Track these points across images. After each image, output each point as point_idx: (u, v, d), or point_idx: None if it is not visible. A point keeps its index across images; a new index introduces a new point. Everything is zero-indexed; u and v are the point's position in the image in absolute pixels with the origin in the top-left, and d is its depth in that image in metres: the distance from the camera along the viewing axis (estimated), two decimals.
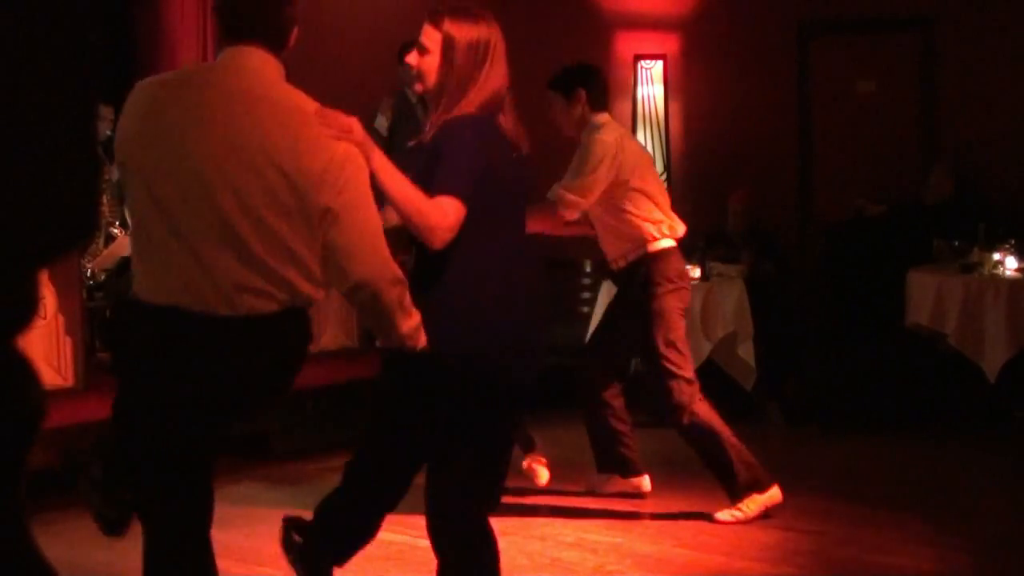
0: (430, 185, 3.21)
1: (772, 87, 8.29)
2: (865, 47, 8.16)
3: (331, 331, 6.94)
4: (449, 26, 3.37)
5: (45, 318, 5.89)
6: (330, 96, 8.36)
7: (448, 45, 3.36)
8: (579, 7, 8.61)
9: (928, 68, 7.93)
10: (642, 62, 8.50)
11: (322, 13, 7.82)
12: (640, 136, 8.52)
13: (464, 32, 3.36)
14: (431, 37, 3.40)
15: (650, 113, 8.51)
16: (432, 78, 3.38)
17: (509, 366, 3.34)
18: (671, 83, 8.53)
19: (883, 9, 7.99)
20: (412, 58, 3.45)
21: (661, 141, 8.51)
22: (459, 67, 3.34)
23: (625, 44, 8.64)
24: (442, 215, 3.18)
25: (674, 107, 8.59)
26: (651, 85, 8.50)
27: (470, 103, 3.33)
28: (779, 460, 6.55)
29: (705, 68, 8.52)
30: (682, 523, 5.25)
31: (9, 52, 1.27)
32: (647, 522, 5.35)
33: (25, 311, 1.60)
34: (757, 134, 8.33)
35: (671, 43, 8.60)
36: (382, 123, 6.73)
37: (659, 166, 8.51)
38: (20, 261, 1.47)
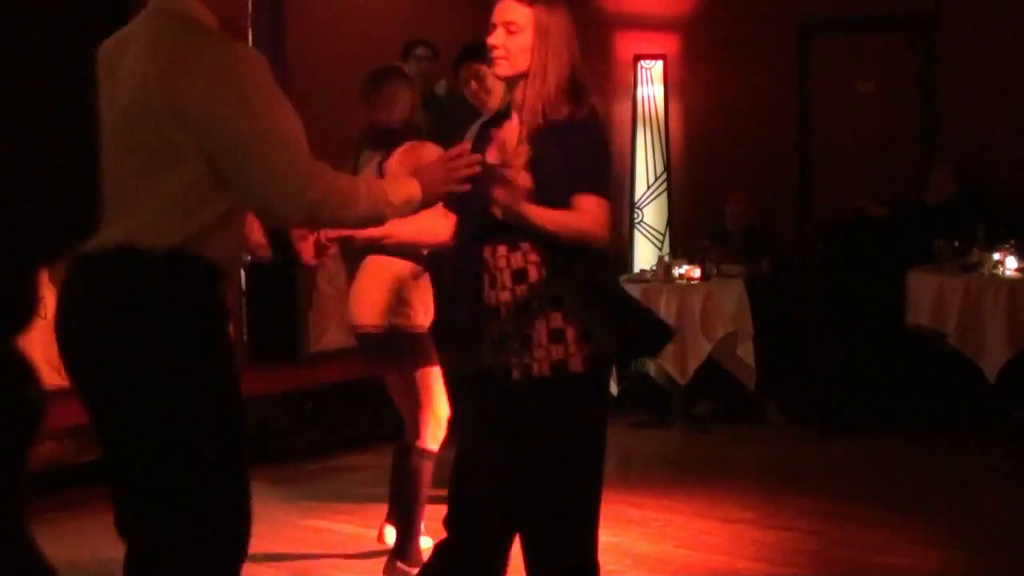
0: (572, 177, 3.14)
1: (772, 87, 8.29)
2: (865, 47, 8.16)
3: (331, 331, 6.94)
4: (542, 5, 3.22)
5: (45, 318, 5.88)
6: (330, 96, 8.42)
7: (543, 24, 3.20)
8: (579, 7, 8.58)
9: (928, 68, 7.93)
10: (642, 62, 8.50)
11: (322, 13, 7.81)
12: (640, 136, 8.53)
13: (556, 14, 3.23)
14: (521, 14, 3.20)
15: (650, 113, 8.51)
16: (524, 58, 3.19)
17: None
18: (671, 83, 8.53)
19: (883, 9, 7.99)
20: (496, 37, 3.20)
21: (661, 141, 8.51)
22: (556, 49, 3.20)
23: (625, 44, 8.64)
24: (601, 224, 3.15)
25: (674, 107, 8.58)
26: (651, 85, 8.50)
27: (559, 87, 3.22)
28: (779, 460, 6.56)
29: (705, 68, 8.52)
30: (682, 523, 5.25)
31: (8, 47, 1.27)
32: (647, 522, 5.35)
33: (25, 311, 1.60)
34: (757, 134, 8.33)
35: (671, 43, 8.60)
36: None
37: (659, 166, 8.52)
38: (20, 260, 1.47)
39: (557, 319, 3.12)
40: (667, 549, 4.93)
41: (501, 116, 3.36)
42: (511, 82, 3.24)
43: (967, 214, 7.04)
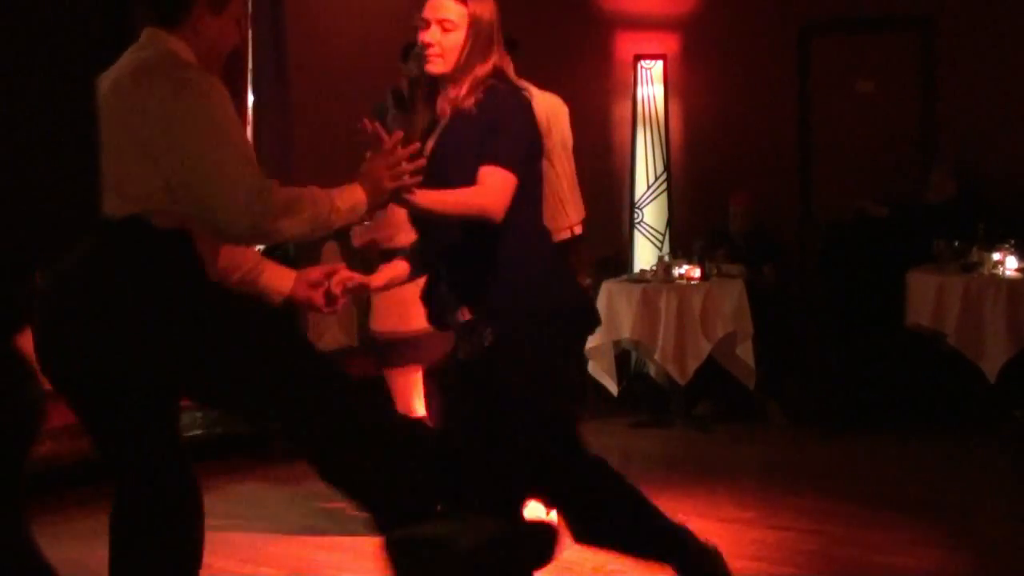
0: (481, 155, 3.21)
1: (772, 87, 8.29)
2: (865, 47, 8.16)
3: (331, 331, 6.94)
4: (474, 2, 3.31)
5: None
6: (330, 96, 8.42)
7: (475, 21, 3.29)
8: (579, 7, 8.61)
9: (928, 68, 7.92)
10: (642, 62, 8.50)
11: (322, 13, 7.81)
12: (640, 136, 8.53)
13: (487, 8, 3.34)
14: (456, 12, 3.30)
15: (650, 113, 8.51)
16: (456, 55, 3.28)
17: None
18: (671, 83, 8.53)
19: (883, 9, 7.99)
20: (431, 35, 3.30)
21: (661, 141, 8.51)
22: (484, 45, 3.30)
23: (625, 44, 8.64)
24: (497, 195, 3.19)
25: (674, 107, 8.58)
26: (651, 85, 8.50)
27: (486, 79, 3.30)
28: (779, 460, 6.56)
29: (705, 68, 8.52)
30: (682, 523, 5.25)
31: (7, 47, 1.27)
32: None
33: (25, 311, 1.60)
34: (757, 134, 8.33)
35: (671, 43, 8.60)
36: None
37: (659, 166, 8.52)
38: (19, 261, 1.47)
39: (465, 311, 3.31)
40: None
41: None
42: (439, 79, 3.32)
43: (967, 214, 7.04)
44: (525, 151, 3.28)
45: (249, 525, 5.30)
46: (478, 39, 3.27)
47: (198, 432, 5.97)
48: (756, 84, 8.34)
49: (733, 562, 4.75)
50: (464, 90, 3.27)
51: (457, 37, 3.26)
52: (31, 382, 2.53)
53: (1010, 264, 6.51)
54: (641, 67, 8.51)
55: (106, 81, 2.94)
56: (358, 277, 3.56)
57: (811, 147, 8.28)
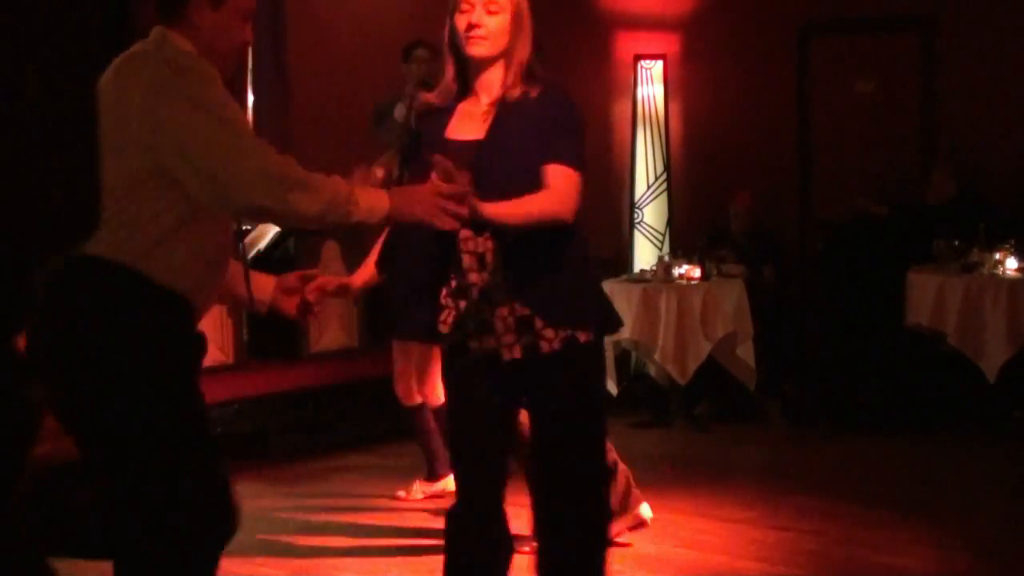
0: (547, 154, 3.15)
1: (772, 87, 8.29)
2: (865, 47, 8.16)
3: (331, 331, 6.94)
4: None
5: None
6: (330, 96, 8.43)
7: (518, 5, 3.20)
8: (579, 7, 8.61)
9: (928, 68, 7.92)
10: (642, 62, 8.50)
11: (322, 13, 7.82)
12: (640, 136, 8.53)
13: None
14: None
15: (650, 113, 8.51)
16: (501, 39, 3.18)
17: None
18: (671, 83, 8.53)
19: (883, 9, 7.99)
20: (477, 16, 3.18)
21: (661, 141, 8.51)
22: (525, 31, 3.21)
23: (625, 44, 8.64)
24: (570, 198, 3.15)
25: (674, 107, 8.58)
26: (651, 85, 8.50)
27: (528, 68, 3.23)
28: (779, 460, 6.56)
29: (705, 68, 8.52)
30: (682, 523, 5.25)
31: (8, 47, 1.27)
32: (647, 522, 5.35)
33: (25, 311, 1.60)
34: (757, 134, 8.33)
35: (671, 43, 8.60)
36: (401, 112, 6.74)
37: (659, 166, 8.52)
38: (20, 260, 1.47)
39: (523, 308, 3.18)
40: (667, 549, 4.92)
41: (448, 101, 3.30)
42: (481, 64, 3.21)
43: (967, 214, 7.04)
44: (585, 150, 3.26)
45: (249, 525, 5.29)
46: (520, 24, 3.20)
47: None
48: (756, 84, 8.34)
49: (733, 562, 4.76)
50: (511, 78, 3.19)
51: (503, 20, 3.17)
52: (31, 382, 2.54)
53: (1010, 264, 6.51)
54: (641, 67, 8.51)
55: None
56: (336, 280, 3.53)
57: (811, 147, 8.28)
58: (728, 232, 7.76)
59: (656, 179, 8.50)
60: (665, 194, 8.51)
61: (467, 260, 3.20)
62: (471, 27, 3.16)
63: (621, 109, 8.63)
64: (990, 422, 6.69)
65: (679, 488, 5.75)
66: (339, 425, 6.81)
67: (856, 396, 7.08)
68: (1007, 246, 6.57)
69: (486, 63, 3.20)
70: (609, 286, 7.10)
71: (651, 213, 8.50)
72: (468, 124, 3.22)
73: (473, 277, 3.20)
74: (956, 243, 6.83)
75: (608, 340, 6.96)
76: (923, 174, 7.64)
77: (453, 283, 3.23)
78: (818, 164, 8.27)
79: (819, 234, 7.94)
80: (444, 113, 3.26)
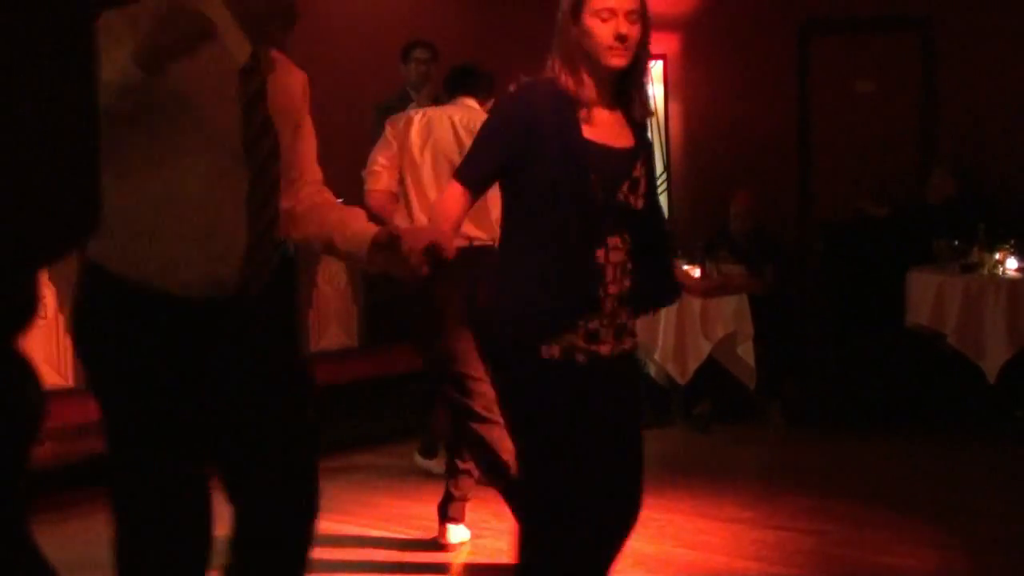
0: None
1: (772, 87, 8.30)
2: (865, 47, 8.16)
3: (331, 331, 6.94)
4: None
5: (45, 318, 5.89)
6: (329, 96, 8.42)
7: (647, 11, 3.10)
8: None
9: (928, 68, 7.93)
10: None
11: (322, 13, 7.81)
12: None
13: None
14: (640, 3, 3.09)
15: None
16: (635, 50, 3.08)
17: None
18: (671, 83, 8.53)
19: (883, 9, 7.99)
20: (623, 26, 3.02)
21: (661, 141, 8.51)
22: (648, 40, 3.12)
23: None
24: None
25: (674, 107, 8.59)
26: (651, 85, 8.49)
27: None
28: (779, 460, 6.56)
29: (705, 68, 8.52)
30: (682, 523, 5.25)
31: (9, 47, 1.27)
32: (647, 522, 5.33)
33: (25, 311, 1.60)
34: (757, 134, 8.33)
35: (671, 43, 8.60)
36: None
37: (659, 166, 8.52)
38: (20, 260, 1.47)
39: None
40: (667, 549, 4.92)
41: (568, 108, 3.10)
42: (612, 73, 3.09)
43: (967, 214, 7.04)
44: None
45: None
46: (649, 33, 3.12)
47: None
48: (756, 84, 8.34)
49: (733, 562, 4.76)
50: (644, 92, 3.16)
51: (639, 30, 3.08)
52: (31, 382, 2.53)
53: (1010, 264, 6.51)
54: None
55: None
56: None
57: (811, 147, 8.28)
58: (728, 232, 7.76)
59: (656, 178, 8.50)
60: (665, 194, 8.51)
61: (610, 271, 3.12)
62: (621, 38, 3.03)
63: None
64: (990, 422, 6.69)
65: (679, 488, 5.75)
66: (339, 425, 6.81)
67: (856, 396, 7.08)
68: (1007, 246, 6.57)
69: (613, 77, 3.10)
70: None
71: None
72: (604, 130, 3.12)
73: (615, 288, 3.14)
74: (956, 243, 6.83)
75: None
76: (923, 174, 7.64)
77: (580, 296, 3.09)
78: (818, 164, 8.27)
79: (819, 234, 7.94)
80: (566, 115, 3.07)
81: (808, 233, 8.14)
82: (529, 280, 3.06)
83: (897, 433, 6.76)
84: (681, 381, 6.93)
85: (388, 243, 2.81)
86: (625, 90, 3.15)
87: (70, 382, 5.95)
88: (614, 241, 3.10)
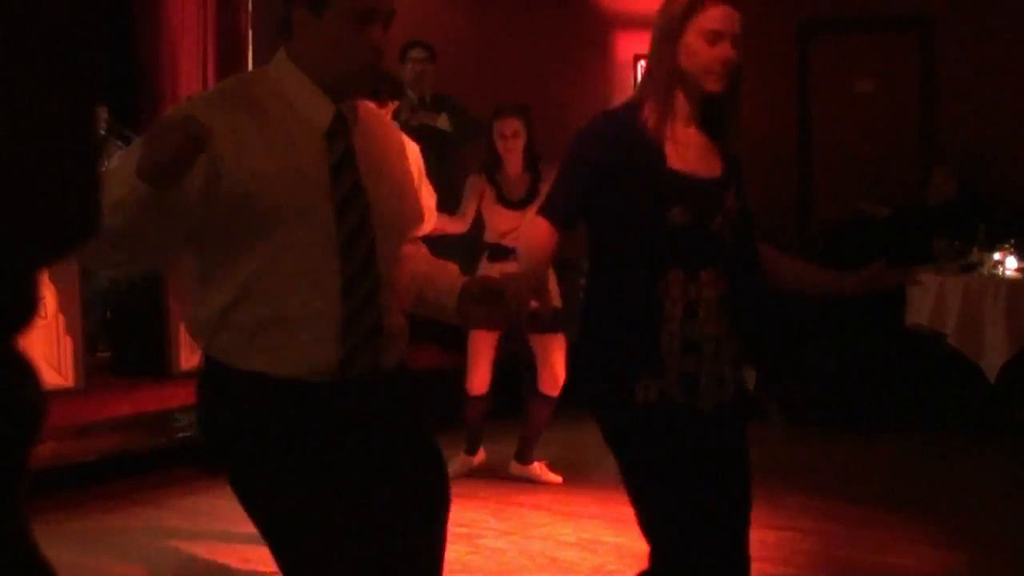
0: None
1: (772, 87, 8.29)
2: (865, 47, 8.16)
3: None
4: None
5: (45, 318, 5.89)
6: None
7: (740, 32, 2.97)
8: (579, 7, 8.61)
9: (928, 68, 7.93)
10: (642, 62, 8.48)
11: None
12: None
13: None
14: (740, 26, 2.98)
15: None
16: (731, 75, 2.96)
17: None
18: None
19: (883, 9, 7.99)
20: (731, 50, 2.94)
21: None
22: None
23: (625, 44, 8.64)
24: None
25: None
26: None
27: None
28: (779, 460, 6.56)
29: None
30: None
31: (7, 51, 1.27)
32: None
33: (25, 311, 1.60)
34: (757, 134, 8.32)
35: None
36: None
37: None
38: (20, 261, 1.47)
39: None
40: None
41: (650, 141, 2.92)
42: (706, 96, 2.97)
43: (967, 214, 7.04)
44: None
45: (249, 524, 5.29)
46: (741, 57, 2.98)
47: (198, 432, 5.96)
48: (756, 84, 8.32)
49: None
50: (739, 121, 3.08)
51: (739, 55, 2.97)
52: (31, 382, 2.53)
53: (1010, 264, 6.51)
54: (641, 67, 8.50)
55: None
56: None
57: (811, 147, 8.28)
58: None
59: None
60: None
61: (703, 309, 2.89)
62: (729, 63, 2.93)
63: None
64: (990, 422, 6.69)
65: None
66: None
67: (856, 396, 7.08)
68: (1007, 246, 6.57)
69: (705, 99, 2.98)
70: None
71: None
72: (692, 157, 2.96)
73: (711, 327, 2.91)
74: (956, 243, 6.83)
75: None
76: (923, 174, 7.64)
77: (672, 335, 2.88)
78: (818, 164, 8.27)
79: (819, 234, 7.94)
80: (649, 145, 2.90)
81: (808, 233, 8.14)
82: (612, 319, 2.91)
83: (897, 433, 6.76)
84: None
85: (483, 294, 2.61)
86: (714, 116, 3.02)
87: (70, 382, 5.95)
88: (708, 275, 2.90)
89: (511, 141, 5.86)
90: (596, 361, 2.95)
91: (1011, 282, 6.43)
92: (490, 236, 5.99)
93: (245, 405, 2.51)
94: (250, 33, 7.91)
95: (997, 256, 6.55)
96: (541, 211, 2.98)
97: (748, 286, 2.99)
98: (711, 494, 3.00)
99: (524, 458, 6.02)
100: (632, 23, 8.66)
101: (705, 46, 2.90)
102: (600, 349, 2.94)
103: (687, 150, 2.94)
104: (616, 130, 2.92)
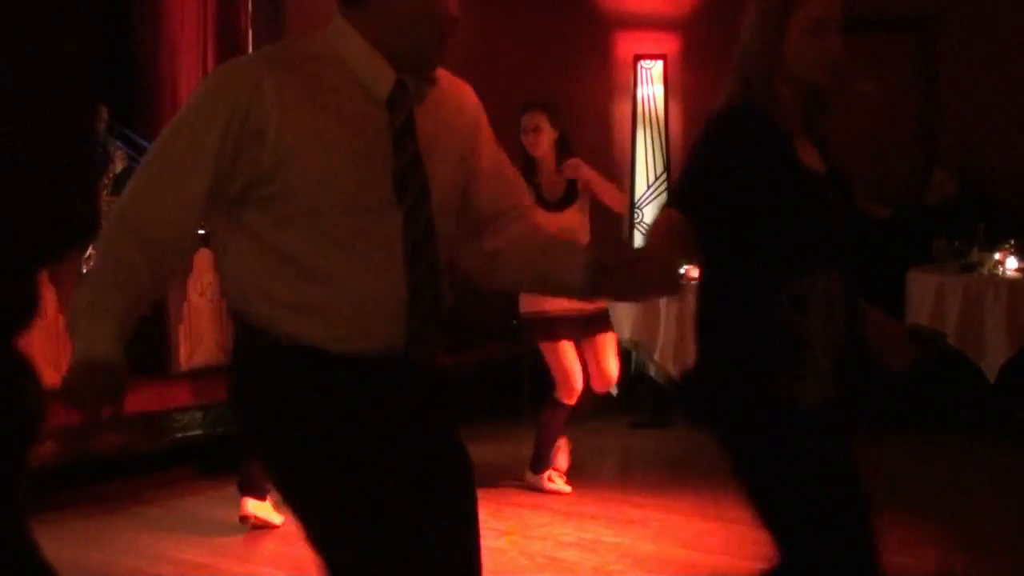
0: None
1: None
2: (865, 47, 8.16)
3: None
4: None
5: (45, 318, 5.89)
6: None
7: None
8: (579, 7, 8.61)
9: (928, 68, 7.92)
10: (642, 62, 8.50)
11: (322, 13, 7.81)
12: (640, 136, 8.53)
13: None
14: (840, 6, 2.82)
15: (650, 113, 8.51)
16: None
17: None
18: (671, 83, 8.52)
19: (883, 9, 7.99)
20: (838, 40, 2.86)
21: (661, 141, 8.51)
22: None
23: (625, 44, 8.64)
24: None
25: (674, 107, 8.58)
26: (651, 85, 8.50)
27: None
28: None
29: (705, 68, 8.51)
30: (682, 523, 5.25)
31: (10, 55, 1.27)
32: (647, 522, 5.35)
33: (25, 311, 1.61)
34: None
35: (671, 43, 8.60)
36: None
37: (659, 166, 8.51)
38: (21, 261, 1.47)
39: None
40: (667, 549, 4.93)
41: (780, 134, 2.83)
42: (815, 91, 2.90)
43: (967, 214, 7.04)
44: None
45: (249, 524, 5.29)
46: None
47: (198, 432, 5.97)
48: None
49: (733, 562, 4.76)
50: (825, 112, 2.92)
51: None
52: (31, 382, 2.53)
53: (1010, 264, 6.51)
54: (641, 67, 8.51)
55: None
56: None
57: None
58: None
59: (656, 179, 8.50)
60: (665, 194, 8.51)
61: (824, 306, 2.80)
62: (839, 55, 2.84)
63: (621, 109, 8.62)
64: (990, 422, 6.69)
65: (679, 488, 5.75)
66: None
67: (855, 396, 7.07)
68: (1007, 246, 6.57)
69: (818, 96, 2.89)
70: None
71: (651, 213, 8.50)
72: (807, 154, 2.88)
73: (842, 321, 2.84)
74: (956, 243, 6.83)
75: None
76: (923, 174, 7.63)
77: (812, 340, 2.83)
78: None
79: None
80: (780, 142, 2.81)
81: None
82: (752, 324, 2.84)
83: (897, 433, 6.76)
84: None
85: (619, 264, 2.46)
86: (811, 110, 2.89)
87: None
88: (829, 274, 2.82)
89: (532, 135, 5.78)
90: (741, 366, 2.89)
91: (1011, 282, 6.43)
92: None
93: (301, 381, 2.37)
94: (250, 33, 7.90)
95: (997, 256, 6.55)
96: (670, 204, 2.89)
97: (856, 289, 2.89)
98: (855, 495, 2.98)
99: (538, 467, 5.83)
100: (632, 23, 8.66)
101: (810, 39, 2.84)
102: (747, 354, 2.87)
103: (803, 147, 2.86)
104: (745, 130, 2.78)
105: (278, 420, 2.38)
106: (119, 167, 7.03)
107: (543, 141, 5.79)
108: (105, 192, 6.94)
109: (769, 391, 2.81)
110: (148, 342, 6.46)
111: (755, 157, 2.73)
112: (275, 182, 2.31)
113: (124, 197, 2.21)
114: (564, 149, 5.87)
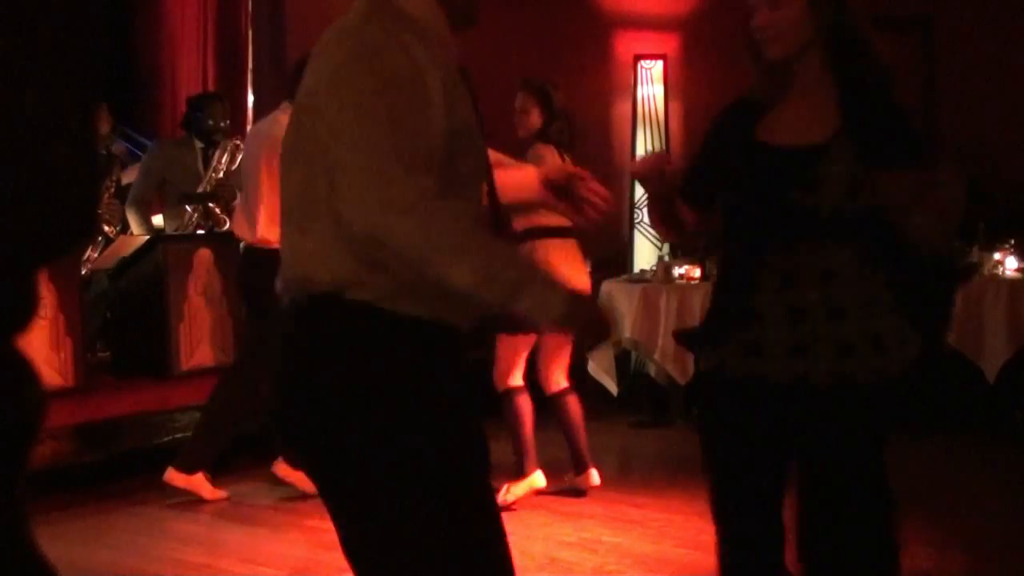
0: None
1: None
2: None
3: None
4: None
5: (45, 318, 5.90)
6: None
7: None
8: (579, 7, 8.62)
9: (928, 68, 7.93)
10: (642, 62, 8.51)
11: (322, 13, 7.82)
12: (640, 136, 8.53)
13: None
14: None
15: (650, 113, 8.52)
16: (796, 35, 2.94)
17: None
18: (671, 83, 8.53)
19: (883, 9, 7.97)
20: (762, 17, 2.94)
21: (661, 141, 8.51)
22: (826, 18, 2.95)
23: (625, 44, 8.65)
24: None
25: (674, 107, 8.59)
26: (651, 85, 8.51)
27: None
28: None
29: (705, 68, 8.52)
30: (682, 523, 5.25)
31: (9, 52, 1.27)
32: (647, 522, 5.35)
33: (25, 311, 1.61)
34: None
35: (671, 43, 8.60)
36: None
37: None
38: (20, 261, 1.47)
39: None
40: (667, 549, 4.93)
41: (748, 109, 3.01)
42: (778, 66, 2.95)
43: (967, 214, 7.03)
44: None
45: (249, 525, 5.30)
46: (818, 14, 3.05)
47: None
48: None
49: None
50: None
51: (791, 13, 3.02)
52: (31, 382, 2.53)
53: (1010, 264, 6.52)
54: (641, 67, 8.52)
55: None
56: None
57: None
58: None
59: None
60: None
61: (808, 272, 2.87)
62: (764, 29, 3.02)
63: (621, 109, 8.63)
64: (990, 422, 6.69)
65: (679, 488, 5.75)
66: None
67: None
68: (1007, 246, 6.57)
69: (785, 65, 3.04)
70: (609, 286, 7.10)
71: None
72: (774, 129, 3.07)
73: (813, 294, 2.88)
74: (956, 243, 6.82)
75: (608, 340, 7.00)
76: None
77: (774, 297, 2.88)
78: None
79: None
80: (743, 114, 3.10)
81: None
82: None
83: (897, 433, 6.75)
84: (681, 381, 6.93)
85: (567, 181, 2.65)
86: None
87: (70, 382, 5.95)
88: (794, 248, 2.89)
89: (519, 116, 5.60)
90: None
91: (1011, 282, 6.43)
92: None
93: (403, 352, 2.26)
94: (250, 33, 7.91)
95: (997, 256, 6.55)
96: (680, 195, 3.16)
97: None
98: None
99: (580, 469, 5.59)
100: (632, 23, 8.67)
101: (752, 22, 2.98)
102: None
103: (778, 120, 2.95)
104: (725, 110, 3.09)
105: (404, 399, 2.28)
106: (122, 172, 7.05)
107: (527, 123, 5.62)
108: (107, 194, 6.95)
109: (703, 359, 3.01)
110: (148, 342, 6.47)
111: (712, 133, 3.08)
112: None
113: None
114: (548, 131, 5.65)
